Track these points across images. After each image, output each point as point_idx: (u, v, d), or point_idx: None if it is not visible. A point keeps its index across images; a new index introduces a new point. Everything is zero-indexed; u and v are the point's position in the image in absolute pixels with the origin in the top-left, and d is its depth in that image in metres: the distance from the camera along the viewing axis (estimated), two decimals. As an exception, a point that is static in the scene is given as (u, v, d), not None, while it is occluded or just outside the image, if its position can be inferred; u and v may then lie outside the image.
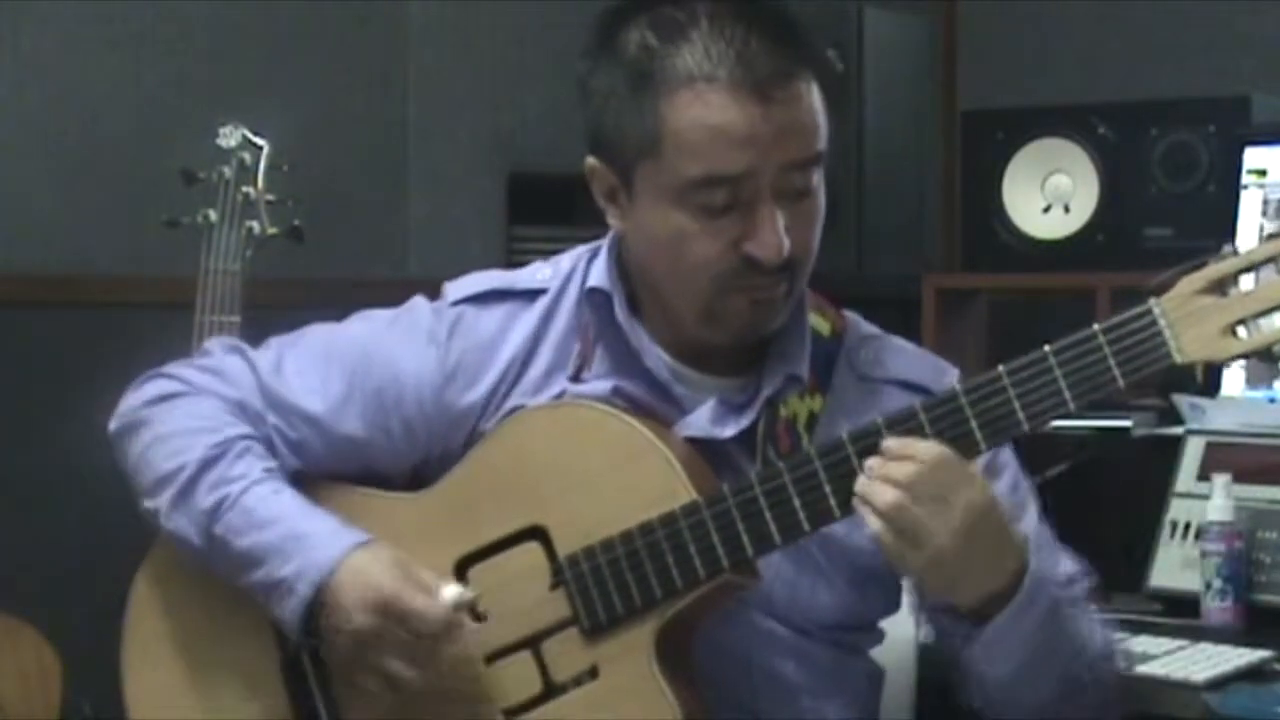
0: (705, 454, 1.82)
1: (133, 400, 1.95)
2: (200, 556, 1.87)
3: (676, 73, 1.74)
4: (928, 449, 1.68)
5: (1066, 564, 1.87)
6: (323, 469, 1.92)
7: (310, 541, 1.81)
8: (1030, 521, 1.87)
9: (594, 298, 1.88)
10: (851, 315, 1.95)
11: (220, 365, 1.94)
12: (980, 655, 1.77)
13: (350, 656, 1.81)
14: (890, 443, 1.70)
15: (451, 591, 1.79)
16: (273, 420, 1.90)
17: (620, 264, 1.89)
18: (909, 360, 1.91)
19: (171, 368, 1.96)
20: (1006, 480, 1.88)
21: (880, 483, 1.68)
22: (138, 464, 1.91)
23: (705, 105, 1.73)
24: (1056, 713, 1.80)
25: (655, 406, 1.84)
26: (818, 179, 1.79)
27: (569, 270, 1.93)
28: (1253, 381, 2.74)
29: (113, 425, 1.95)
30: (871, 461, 1.70)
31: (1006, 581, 1.72)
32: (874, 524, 1.69)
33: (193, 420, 1.89)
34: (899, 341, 1.94)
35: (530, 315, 1.91)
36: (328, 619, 1.80)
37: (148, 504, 1.90)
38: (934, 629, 1.93)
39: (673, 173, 1.75)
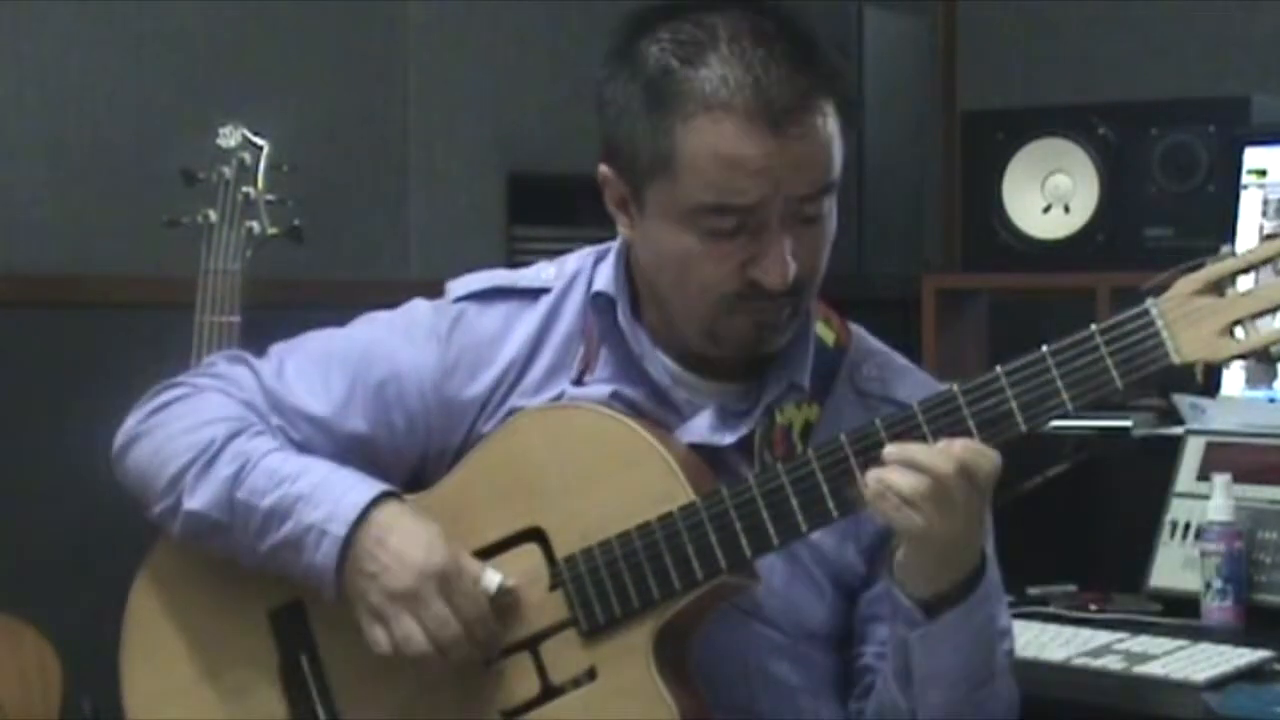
0: (705, 460, 1.82)
1: (139, 413, 1.94)
2: (222, 532, 1.86)
3: (693, 97, 1.72)
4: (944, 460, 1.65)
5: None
6: None
7: (341, 487, 1.81)
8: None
9: (598, 302, 1.87)
10: (857, 329, 1.93)
11: (224, 372, 1.95)
12: (920, 648, 1.73)
13: (370, 605, 1.79)
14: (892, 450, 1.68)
15: (494, 578, 1.79)
16: (276, 422, 1.91)
17: (628, 269, 1.88)
18: (911, 384, 1.88)
19: (178, 377, 1.96)
20: None
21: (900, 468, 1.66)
22: (151, 463, 1.90)
23: (720, 134, 1.71)
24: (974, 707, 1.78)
25: (654, 412, 1.84)
26: (829, 205, 1.78)
27: (574, 271, 1.92)
28: (1253, 382, 2.74)
29: (120, 440, 1.94)
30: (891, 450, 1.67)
31: (966, 574, 1.72)
32: (890, 504, 1.65)
33: (206, 412, 1.90)
34: (902, 361, 1.92)
35: (533, 315, 1.91)
36: (358, 564, 1.79)
37: (164, 502, 1.88)
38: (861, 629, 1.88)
39: (683, 196, 1.74)
